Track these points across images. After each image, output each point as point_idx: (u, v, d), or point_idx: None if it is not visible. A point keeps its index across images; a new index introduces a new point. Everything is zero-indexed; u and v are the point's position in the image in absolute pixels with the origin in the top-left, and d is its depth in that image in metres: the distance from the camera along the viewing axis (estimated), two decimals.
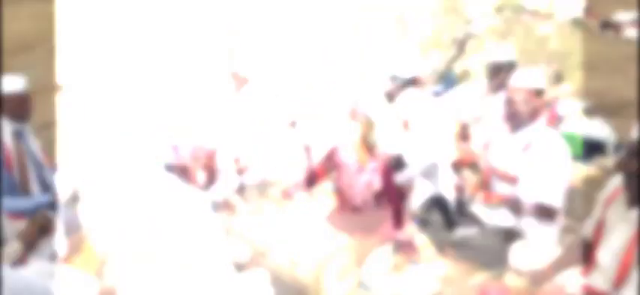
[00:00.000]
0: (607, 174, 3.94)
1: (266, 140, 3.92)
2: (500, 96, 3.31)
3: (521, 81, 2.61)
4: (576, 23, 11.83)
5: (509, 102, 2.60)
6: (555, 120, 4.63)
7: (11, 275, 1.92)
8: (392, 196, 2.65)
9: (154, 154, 2.02)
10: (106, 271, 2.83)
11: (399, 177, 3.10)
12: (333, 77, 4.97)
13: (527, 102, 2.55)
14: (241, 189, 3.76)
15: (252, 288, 2.16)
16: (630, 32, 10.12)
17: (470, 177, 2.79)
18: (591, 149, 4.29)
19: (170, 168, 3.06)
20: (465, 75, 5.79)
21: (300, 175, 3.73)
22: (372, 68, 4.07)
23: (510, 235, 2.61)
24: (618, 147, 4.35)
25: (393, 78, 3.20)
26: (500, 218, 2.69)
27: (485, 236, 2.70)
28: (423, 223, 3.10)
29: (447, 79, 5.20)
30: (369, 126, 2.66)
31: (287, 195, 3.01)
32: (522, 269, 2.27)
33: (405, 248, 2.97)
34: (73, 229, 2.97)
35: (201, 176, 3.47)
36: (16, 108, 2.98)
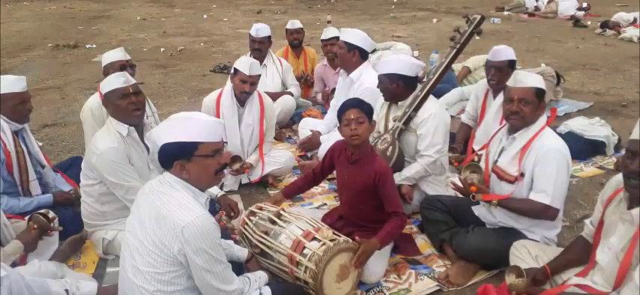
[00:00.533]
0: (607, 174, 3.96)
1: (267, 139, 3.91)
2: (500, 96, 3.31)
3: (521, 81, 2.61)
4: (576, 23, 11.89)
5: (509, 102, 2.60)
6: (555, 120, 4.63)
7: (11, 275, 1.92)
8: (392, 197, 2.65)
9: (152, 153, 2.00)
10: (106, 271, 2.84)
11: (399, 177, 3.10)
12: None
13: (526, 103, 2.55)
14: (241, 189, 3.76)
15: (251, 288, 2.16)
16: (630, 32, 10.16)
17: (470, 177, 2.78)
18: (591, 149, 4.29)
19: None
20: (464, 75, 5.77)
21: (300, 175, 3.73)
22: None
23: (510, 235, 2.61)
24: (618, 147, 4.36)
25: (394, 78, 3.19)
26: (500, 218, 2.69)
27: (485, 236, 2.70)
28: (423, 223, 3.11)
29: (447, 79, 5.18)
30: (369, 126, 2.65)
31: (287, 194, 3.01)
32: (522, 269, 2.27)
33: (405, 248, 2.97)
34: (72, 229, 2.98)
35: None
36: (16, 108, 2.98)
